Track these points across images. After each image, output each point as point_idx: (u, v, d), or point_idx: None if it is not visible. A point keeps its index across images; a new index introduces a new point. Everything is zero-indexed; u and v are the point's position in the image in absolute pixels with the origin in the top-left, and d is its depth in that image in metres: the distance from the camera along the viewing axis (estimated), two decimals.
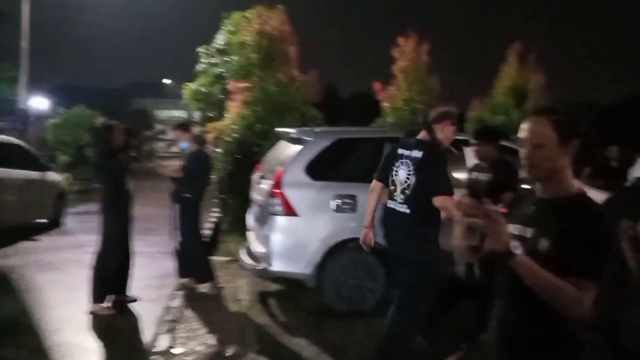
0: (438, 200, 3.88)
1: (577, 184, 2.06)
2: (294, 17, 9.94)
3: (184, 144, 6.44)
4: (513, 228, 2.04)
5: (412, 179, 4.04)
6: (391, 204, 4.20)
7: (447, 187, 3.92)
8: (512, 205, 2.20)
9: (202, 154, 6.53)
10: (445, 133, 4.12)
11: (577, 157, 2.03)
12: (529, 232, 2.00)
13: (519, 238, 2.00)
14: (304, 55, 10.03)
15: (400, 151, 4.24)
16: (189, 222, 6.32)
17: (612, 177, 6.94)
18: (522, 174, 2.08)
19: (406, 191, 4.06)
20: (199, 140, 6.89)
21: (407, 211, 4.03)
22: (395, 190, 4.16)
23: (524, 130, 2.01)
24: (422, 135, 4.20)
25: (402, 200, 4.09)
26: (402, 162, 4.16)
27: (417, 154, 4.08)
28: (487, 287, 2.23)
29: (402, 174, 4.12)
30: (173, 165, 6.57)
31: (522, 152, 2.01)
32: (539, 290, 1.85)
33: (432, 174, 3.97)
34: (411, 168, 4.06)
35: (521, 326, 1.98)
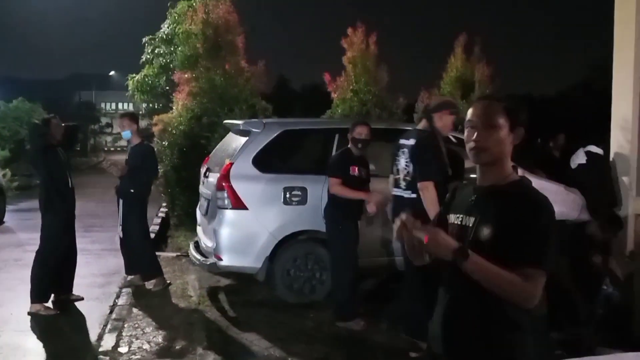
0: (420, 185, 4.26)
1: (519, 172, 2.07)
2: (242, 7, 9.83)
3: (126, 133, 6.22)
4: (455, 217, 2.06)
5: (410, 166, 4.41)
6: (397, 192, 4.57)
7: (427, 173, 4.26)
8: (454, 194, 2.18)
9: (145, 148, 6.34)
10: (443, 122, 4.45)
11: (522, 146, 2.05)
12: (470, 221, 1.99)
13: (461, 227, 2.01)
14: (253, 46, 9.94)
15: (401, 141, 4.59)
16: (134, 217, 6.14)
17: (554, 166, 7.13)
18: (470, 160, 2.06)
19: (407, 178, 4.45)
20: (144, 133, 6.71)
21: (414, 195, 4.35)
22: (399, 179, 4.53)
23: (474, 113, 1.99)
24: (422, 124, 4.57)
25: (405, 187, 4.47)
26: (402, 152, 4.53)
27: (411, 142, 4.44)
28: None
29: (402, 162, 4.51)
30: (116, 164, 6.33)
31: (471, 135, 1.97)
32: (489, 285, 1.84)
33: (419, 160, 4.33)
34: (407, 156, 4.43)
35: (465, 316, 1.97)
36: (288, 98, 34.30)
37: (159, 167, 7.39)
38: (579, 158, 5.94)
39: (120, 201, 6.19)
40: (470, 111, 2.02)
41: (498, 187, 1.99)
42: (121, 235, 6.22)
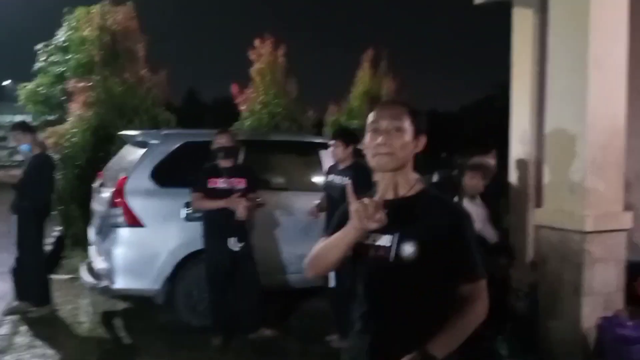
0: None
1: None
2: (147, 14, 9.44)
3: (24, 147, 5.70)
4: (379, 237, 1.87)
5: None
6: None
7: None
8: (346, 214, 1.88)
9: (45, 158, 5.81)
10: None
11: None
12: (385, 240, 1.83)
13: (374, 249, 1.85)
14: (156, 54, 9.55)
15: None
16: (30, 236, 5.60)
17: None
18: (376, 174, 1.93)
19: None
20: (43, 143, 6.18)
21: None
22: None
23: (379, 116, 1.87)
24: None
25: None
26: None
27: None
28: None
29: None
30: (4, 174, 5.77)
31: (375, 139, 1.84)
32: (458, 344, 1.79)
33: None
34: None
35: (400, 328, 1.83)
36: (198, 110, 33.69)
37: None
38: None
39: (15, 218, 5.62)
40: (373, 114, 1.89)
41: (409, 199, 1.87)
42: (18, 256, 5.66)
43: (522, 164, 5.57)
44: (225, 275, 4.91)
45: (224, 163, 4.90)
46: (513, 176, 5.67)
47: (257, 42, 10.48)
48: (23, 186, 5.59)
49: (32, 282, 5.70)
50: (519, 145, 5.66)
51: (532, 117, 5.50)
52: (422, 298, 1.81)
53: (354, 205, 1.76)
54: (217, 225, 4.89)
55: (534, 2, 5.40)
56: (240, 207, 4.77)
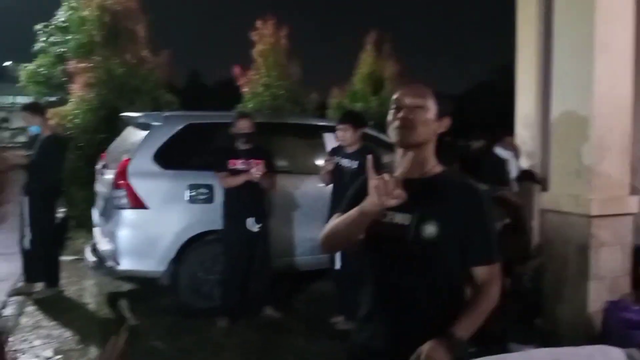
0: None
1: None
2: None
3: (34, 128, 5.68)
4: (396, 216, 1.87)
5: None
6: None
7: None
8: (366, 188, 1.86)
9: (55, 139, 5.79)
10: None
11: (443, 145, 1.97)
12: (405, 219, 1.82)
13: (393, 226, 1.84)
14: (157, 34, 9.46)
15: None
16: (39, 217, 5.62)
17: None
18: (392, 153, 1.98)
19: None
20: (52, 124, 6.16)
21: None
22: None
23: (402, 93, 1.88)
24: None
25: None
26: None
27: None
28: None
29: None
30: (19, 154, 5.75)
31: (399, 114, 1.85)
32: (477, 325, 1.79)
33: None
34: None
35: (416, 311, 1.83)
36: (200, 92, 33.54)
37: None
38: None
39: (26, 200, 5.62)
40: (397, 93, 1.91)
41: (430, 178, 1.87)
42: (30, 237, 5.67)
43: (526, 147, 5.55)
44: (241, 255, 4.97)
45: (243, 145, 4.98)
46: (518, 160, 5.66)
47: (258, 23, 10.41)
48: (33, 167, 5.58)
49: (43, 263, 5.72)
50: (523, 129, 5.62)
51: (537, 101, 5.45)
52: (438, 278, 1.82)
53: (373, 181, 1.72)
54: (236, 206, 4.96)
55: None
56: (256, 175, 4.88)
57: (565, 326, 4.26)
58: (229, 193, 5.00)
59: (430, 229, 1.79)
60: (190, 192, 5.24)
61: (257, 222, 4.99)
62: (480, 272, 1.83)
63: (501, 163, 5.94)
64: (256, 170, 4.90)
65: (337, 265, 4.89)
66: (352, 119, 4.98)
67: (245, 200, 4.93)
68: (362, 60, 12.62)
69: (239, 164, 4.97)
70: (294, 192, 5.70)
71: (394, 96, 1.91)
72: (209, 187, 5.29)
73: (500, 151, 6.09)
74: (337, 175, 4.94)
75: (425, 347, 1.68)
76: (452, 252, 1.81)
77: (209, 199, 5.27)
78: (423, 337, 1.73)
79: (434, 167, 1.90)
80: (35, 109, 5.83)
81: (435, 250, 1.79)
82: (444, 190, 1.83)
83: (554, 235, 4.37)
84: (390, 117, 1.90)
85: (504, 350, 4.05)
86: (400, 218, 1.83)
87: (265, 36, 10.22)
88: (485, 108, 29.62)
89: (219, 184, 5.09)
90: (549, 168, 4.63)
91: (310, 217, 5.68)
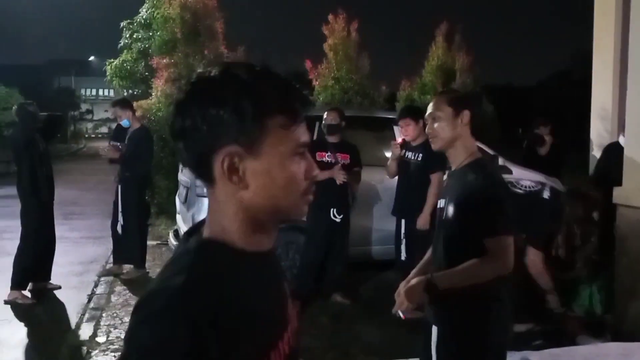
0: None
1: (500, 162, 2.20)
2: None
3: (124, 122, 6.13)
4: (440, 202, 2.34)
5: None
6: None
7: None
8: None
9: (145, 132, 6.25)
10: None
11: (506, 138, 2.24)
12: (442, 203, 2.29)
13: (439, 210, 2.32)
14: (234, 32, 9.81)
15: None
16: (131, 204, 6.08)
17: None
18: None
19: None
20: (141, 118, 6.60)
21: None
22: None
23: (427, 109, 2.33)
24: None
25: None
26: None
27: None
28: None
29: None
30: (108, 149, 6.24)
31: (427, 127, 2.33)
32: (467, 283, 2.08)
33: None
34: None
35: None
36: None
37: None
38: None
39: (120, 188, 6.08)
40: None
41: (460, 169, 2.26)
42: (122, 223, 6.13)
43: (602, 140, 5.45)
44: (322, 244, 5.19)
45: (331, 138, 5.17)
46: (593, 152, 5.55)
47: (330, 18, 10.55)
48: (126, 159, 6.01)
49: (134, 247, 6.17)
50: (599, 121, 5.53)
51: (614, 93, 5.35)
52: (458, 251, 2.17)
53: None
54: (321, 196, 5.10)
55: None
56: (340, 176, 5.06)
57: (634, 320, 4.21)
58: (315, 184, 5.16)
59: (450, 211, 2.20)
60: None
61: (340, 212, 5.18)
62: (487, 243, 2.10)
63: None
64: (340, 174, 5.04)
65: (403, 256, 5.01)
66: (411, 113, 5.06)
67: (330, 192, 5.07)
68: (432, 52, 12.51)
69: (325, 157, 5.15)
70: (364, 184, 5.85)
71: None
72: None
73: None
74: (402, 168, 5.06)
75: (406, 285, 2.20)
76: (465, 229, 2.14)
77: None
78: (447, 305, 2.17)
79: (468, 157, 2.27)
80: (125, 104, 6.27)
81: (454, 231, 2.19)
82: (464, 177, 2.21)
83: (627, 229, 4.32)
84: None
85: (573, 343, 4.09)
86: (441, 203, 2.31)
87: (336, 30, 10.36)
88: (560, 98, 28.52)
89: None
90: (623, 161, 4.55)
91: (379, 208, 5.84)
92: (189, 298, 0.86)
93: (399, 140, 5.17)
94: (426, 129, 2.37)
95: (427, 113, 2.34)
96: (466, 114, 2.27)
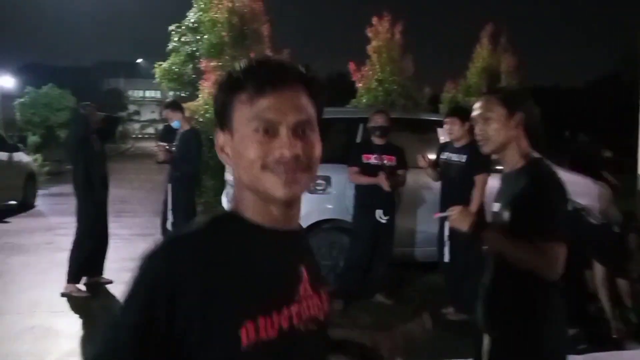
0: None
1: (535, 155, 2.16)
2: None
3: (175, 123, 6.34)
4: (494, 206, 2.26)
5: None
6: None
7: None
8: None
9: (195, 133, 6.44)
10: None
11: (553, 140, 2.18)
12: (497, 207, 2.19)
13: (495, 215, 2.21)
14: (277, 34, 9.97)
15: None
16: (181, 202, 6.24)
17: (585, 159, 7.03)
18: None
19: None
20: (190, 119, 6.79)
21: None
22: None
23: (474, 110, 2.22)
24: None
25: None
26: None
27: None
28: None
29: None
30: (159, 151, 6.44)
31: (476, 129, 2.21)
32: (513, 258, 2.00)
33: None
34: None
35: (500, 294, 2.13)
36: None
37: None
38: None
39: (170, 187, 6.30)
40: (474, 107, 2.24)
41: (513, 172, 2.15)
42: (172, 220, 6.31)
43: None
44: (368, 244, 5.27)
45: (377, 140, 5.24)
46: None
47: (374, 20, 10.60)
48: (176, 159, 6.22)
49: None
50: None
51: None
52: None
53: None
54: (367, 197, 5.24)
55: None
56: (385, 185, 5.11)
57: None
58: (362, 185, 5.26)
59: (505, 215, 2.09)
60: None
61: (386, 214, 5.24)
62: (542, 248, 1.99)
63: None
64: (386, 182, 5.09)
65: (446, 258, 5.02)
66: (459, 112, 5.07)
67: (376, 193, 5.15)
68: (477, 54, 12.41)
69: (372, 159, 5.21)
70: (409, 185, 5.88)
71: (473, 114, 2.24)
72: (326, 179, 5.64)
73: None
74: (446, 170, 5.08)
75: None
76: (520, 233, 2.01)
77: (326, 190, 5.62)
78: (503, 312, 2.10)
79: (521, 159, 2.15)
80: (176, 106, 6.45)
81: (510, 233, 2.05)
82: (518, 180, 2.08)
83: None
84: (475, 131, 2.25)
85: (619, 348, 4.04)
86: (496, 207, 2.21)
87: (380, 32, 10.41)
88: (608, 101, 27.71)
89: (349, 178, 5.35)
90: None
91: (422, 210, 5.87)
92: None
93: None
94: (476, 131, 2.23)
95: (475, 113, 2.22)
96: (520, 115, 2.15)
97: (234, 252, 1.00)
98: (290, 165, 1.00)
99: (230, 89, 1.03)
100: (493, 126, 2.15)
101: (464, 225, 2.11)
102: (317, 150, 1.05)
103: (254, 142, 1.00)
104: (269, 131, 1.00)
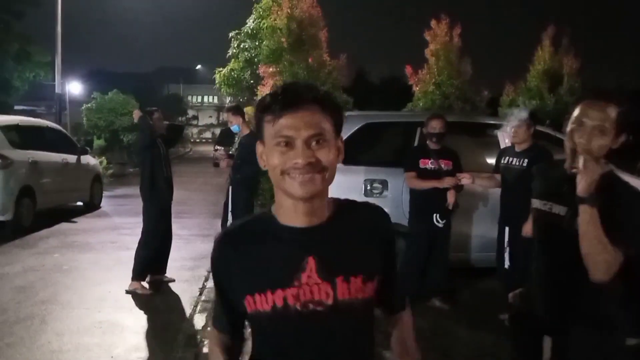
0: None
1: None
2: (324, 0, 9.97)
3: (235, 127, 6.51)
4: (540, 203, 2.15)
5: None
6: None
7: None
8: (539, 181, 2.25)
9: (254, 137, 6.53)
10: None
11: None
12: (561, 210, 2.02)
13: (548, 214, 2.09)
14: (334, 38, 10.04)
15: None
16: (240, 204, 6.36)
17: None
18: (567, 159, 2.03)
19: None
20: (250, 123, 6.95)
21: None
22: None
23: (585, 114, 1.95)
24: None
25: None
26: None
27: None
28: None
29: None
30: (220, 157, 6.63)
31: (577, 134, 1.96)
32: (587, 241, 1.87)
33: None
34: None
35: (563, 282, 2.06)
36: (366, 91, 34.24)
37: None
38: None
39: (231, 189, 6.45)
40: (581, 109, 1.97)
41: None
42: (232, 221, 6.46)
43: None
44: (425, 248, 5.27)
45: (433, 145, 5.23)
46: None
47: (432, 23, 10.54)
48: (237, 162, 6.37)
49: None
50: None
51: None
52: (581, 264, 1.92)
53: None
54: (424, 202, 5.24)
55: None
56: (450, 195, 5.13)
57: None
58: (417, 189, 5.26)
59: (577, 221, 1.91)
60: (365, 186, 5.63)
61: (442, 218, 5.22)
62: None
63: None
64: (451, 182, 5.09)
65: (506, 263, 4.94)
66: (531, 116, 4.93)
67: (433, 197, 5.15)
68: (537, 56, 12.13)
69: (428, 164, 5.20)
70: (466, 190, 5.82)
71: (577, 112, 1.98)
72: (383, 182, 5.65)
73: None
74: (506, 175, 4.99)
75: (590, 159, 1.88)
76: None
77: (383, 193, 5.63)
78: (567, 301, 2.04)
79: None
80: (238, 110, 6.60)
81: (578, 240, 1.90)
82: (603, 191, 1.90)
83: None
84: (568, 129, 2.00)
85: None
86: (557, 208, 2.06)
87: (438, 35, 10.33)
88: None
89: (406, 182, 5.36)
90: None
91: (479, 215, 5.80)
92: (220, 239, 1.42)
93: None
94: (577, 139, 1.96)
95: (583, 117, 1.95)
96: (622, 139, 1.93)
97: (253, 244, 1.36)
98: (304, 170, 1.26)
99: (260, 111, 1.34)
100: (601, 142, 1.93)
101: (591, 175, 1.86)
102: (331, 155, 1.30)
103: (276, 152, 1.29)
104: (288, 144, 1.28)
